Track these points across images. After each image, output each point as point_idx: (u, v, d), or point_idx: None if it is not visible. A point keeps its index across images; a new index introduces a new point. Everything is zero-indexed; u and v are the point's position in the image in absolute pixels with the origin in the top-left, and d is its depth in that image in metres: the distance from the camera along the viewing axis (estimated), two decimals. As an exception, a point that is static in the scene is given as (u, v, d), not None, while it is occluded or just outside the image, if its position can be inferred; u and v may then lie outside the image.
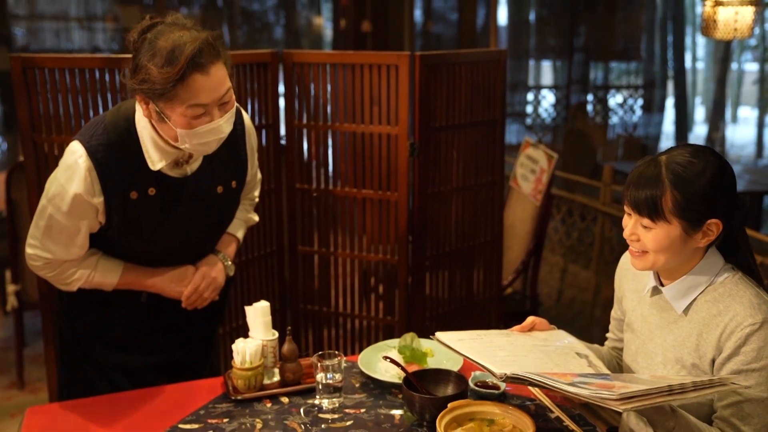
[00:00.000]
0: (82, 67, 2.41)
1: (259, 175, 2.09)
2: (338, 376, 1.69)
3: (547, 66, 8.81)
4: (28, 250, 1.80)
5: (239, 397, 1.73)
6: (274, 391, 1.77)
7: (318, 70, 2.79)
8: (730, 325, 1.43)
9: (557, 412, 1.64)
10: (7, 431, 3.21)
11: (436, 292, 2.97)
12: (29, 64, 2.37)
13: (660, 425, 1.37)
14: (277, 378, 1.81)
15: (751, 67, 11.76)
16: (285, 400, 1.75)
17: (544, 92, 8.30)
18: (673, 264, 1.50)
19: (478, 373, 1.78)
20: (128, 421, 1.66)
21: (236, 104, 1.76)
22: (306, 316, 3.03)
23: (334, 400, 1.69)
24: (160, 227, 1.81)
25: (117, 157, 1.72)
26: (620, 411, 1.28)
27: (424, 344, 1.91)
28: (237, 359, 1.75)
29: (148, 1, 6.75)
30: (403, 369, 1.72)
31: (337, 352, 1.71)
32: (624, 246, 1.55)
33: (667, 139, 9.26)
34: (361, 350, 1.96)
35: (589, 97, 8.17)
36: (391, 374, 1.80)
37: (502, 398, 1.72)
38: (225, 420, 1.65)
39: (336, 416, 1.67)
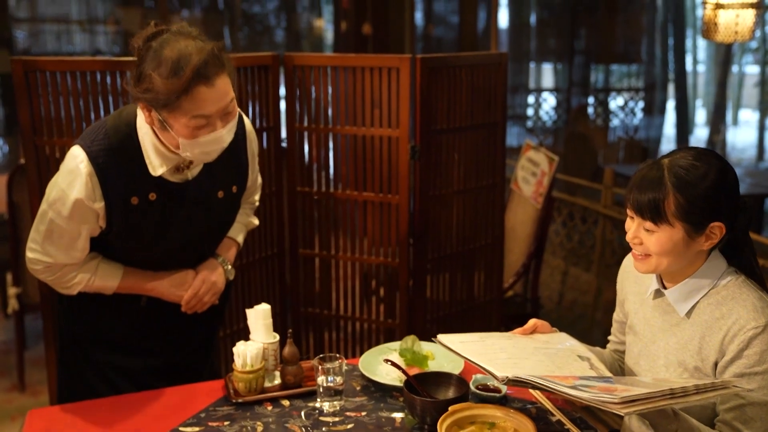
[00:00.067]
0: (84, 70, 2.41)
1: (259, 180, 2.09)
2: (339, 379, 1.69)
3: (547, 69, 8.81)
4: (29, 254, 1.80)
5: (240, 400, 1.73)
6: (275, 394, 1.76)
7: (319, 73, 2.79)
8: (733, 328, 1.42)
9: (558, 416, 1.64)
10: (8, 434, 3.21)
11: (437, 294, 2.97)
12: (31, 67, 2.37)
13: (662, 428, 1.37)
14: (278, 381, 1.81)
15: (752, 70, 11.77)
16: (286, 403, 1.75)
17: (545, 95, 8.30)
18: (676, 267, 1.49)
19: (479, 376, 1.78)
20: (129, 424, 1.66)
21: (238, 109, 1.76)
22: (307, 319, 3.03)
23: (335, 403, 1.69)
24: (161, 232, 1.81)
25: (118, 162, 1.72)
26: (622, 414, 1.28)
27: (425, 347, 1.91)
28: (238, 362, 1.75)
29: (150, 3, 6.76)
30: (404, 372, 1.72)
31: (338, 355, 1.70)
32: (625, 249, 1.55)
33: (668, 142, 9.25)
34: (362, 353, 1.96)
35: (590, 100, 8.17)
36: (392, 377, 1.80)
37: (503, 401, 1.72)
38: (226, 423, 1.65)
39: (337, 419, 1.66)
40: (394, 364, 1.75)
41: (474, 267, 3.07)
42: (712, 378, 1.45)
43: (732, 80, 10.72)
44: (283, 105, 2.86)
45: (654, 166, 1.47)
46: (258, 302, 1.90)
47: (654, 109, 8.35)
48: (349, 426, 1.64)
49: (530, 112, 8.18)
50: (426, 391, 1.67)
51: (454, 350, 1.56)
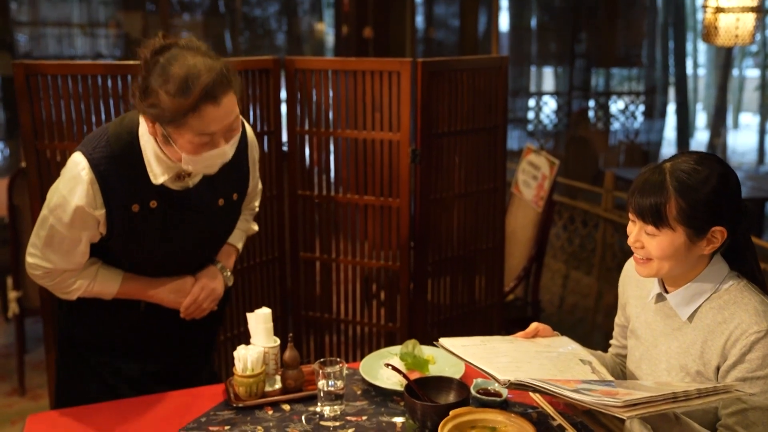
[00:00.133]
0: (85, 74, 2.41)
1: (259, 186, 2.10)
2: (340, 384, 1.68)
3: (548, 72, 8.82)
4: (29, 259, 1.80)
5: (241, 405, 1.73)
6: (276, 398, 1.76)
7: (320, 77, 2.79)
8: (735, 332, 1.42)
9: (559, 420, 1.63)
10: (8, 438, 3.21)
11: (437, 298, 2.97)
12: (32, 70, 2.38)
13: (664, 433, 1.37)
14: (278, 385, 1.80)
15: (753, 74, 11.78)
16: (286, 407, 1.74)
17: (546, 98, 8.31)
18: (678, 271, 1.49)
19: (480, 380, 1.77)
20: (129, 428, 1.66)
21: (240, 118, 1.76)
22: (308, 323, 3.03)
23: (335, 407, 1.69)
24: (161, 239, 1.81)
25: (119, 169, 1.72)
26: (624, 418, 1.27)
27: (426, 351, 1.90)
28: (238, 366, 1.74)
29: (151, 7, 6.77)
30: (404, 376, 1.72)
31: (338, 359, 1.70)
32: (626, 252, 1.55)
33: (668, 146, 9.26)
34: (362, 357, 1.96)
35: (591, 104, 8.18)
36: (392, 381, 1.80)
37: (504, 406, 1.71)
38: (226, 427, 1.65)
39: (337, 423, 1.66)
40: (394, 368, 1.75)
41: (475, 270, 3.07)
42: (714, 382, 1.45)
43: (732, 84, 10.73)
44: (284, 108, 2.86)
45: (656, 170, 1.47)
46: (259, 306, 1.90)
47: (654, 113, 8.35)
48: (350, 430, 1.63)
49: (531, 115, 8.19)
50: (427, 395, 1.67)
51: (455, 354, 1.56)
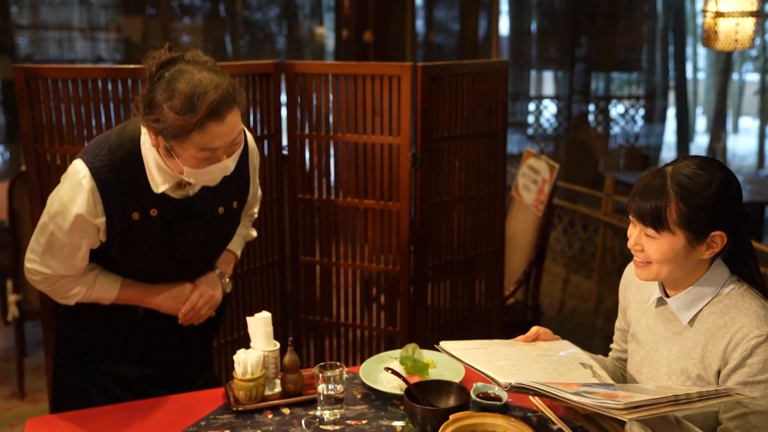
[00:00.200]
0: (85, 78, 2.42)
1: (259, 192, 2.10)
2: (340, 387, 1.68)
3: (548, 76, 8.83)
4: (27, 265, 1.80)
5: (240, 408, 1.73)
6: (276, 402, 1.76)
7: (320, 81, 2.80)
8: (736, 336, 1.42)
9: (559, 424, 1.63)
10: (7, 442, 3.20)
11: (437, 302, 2.97)
12: (32, 74, 2.38)
13: (664, 437, 1.36)
14: (278, 389, 1.80)
15: (752, 78, 11.79)
16: (286, 411, 1.74)
17: (546, 102, 8.31)
18: (677, 275, 1.49)
19: (480, 384, 1.77)
20: (129, 432, 1.66)
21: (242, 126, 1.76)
22: (307, 327, 3.02)
23: (335, 411, 1.68)
24: (161, 247, 1.81)
25: (120, 178, 1.72)
26: (625, 420, 1.27)
27: (426, 355, 1.90)
28: (238, 370, 1.74)
29: (151, 11, 6.77)
30: (404, 380, 1.72)
31: (338, 363, 1.70)
32: (626, 256, 1.55)
33: (668, 150, 9.26)
34: (362, 361, 1.96)
35: (591, 108, 8.18)
36: (392, 385, 1.79)
37: (504, 410, 1.71)
38: (226, 431, 1.65)
39: (337, 427, 1.66)
40: (394, 372, 1.75)
41: (475, 274, 3.06)
42: (715, 386, 1.45)
43: (732, 88, 10.73)
44: (284, 112, 2.86)
45: (657, 173, 1.47)
46: (258, 310, 1.90)
47: (654, 117, 8.35)
48: (350, 434, 1.63)
49: (531, 119, 8.19)
50: (427, 399, 1.67)
51: (456, 357, 1.56)
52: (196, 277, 1.95)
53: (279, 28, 8.29)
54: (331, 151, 2.87)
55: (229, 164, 1.70)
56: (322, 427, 1.66)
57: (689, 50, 10.55)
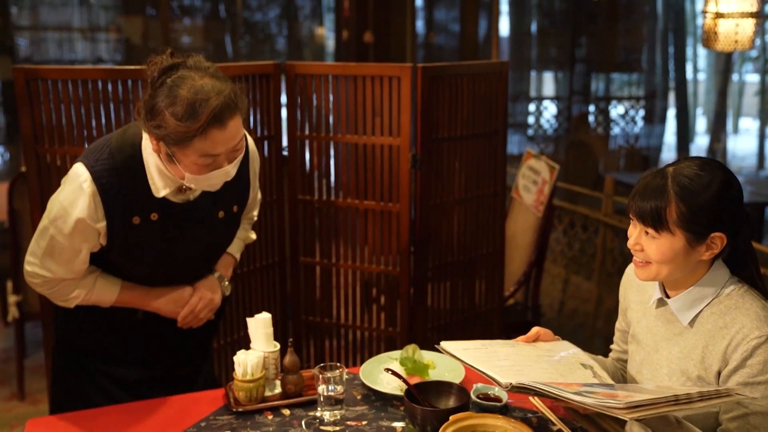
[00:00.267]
0: (85, 78, 2.42)
1: (259, 195, 2.10)
2: (340, 388, 1.68)
3: (548, 77, 8.83)
4: (27, 268, 1.80)
5: (240, 409, 1.73)
6: (276, 403, 1.76)
7: (320, 82, 2.80)
8: (737, 337, 1.42)
9: (560, 425, 1.63)
10: (7, 443, 3.20)
11: (437, 303, 2.97)
12: (32, 75, 2.38)
13: (664, 438, 1.36)
14: (278, 390, 1.80)
15: (752, 79, 11.79)
16: (286, 412, 1.74)
17: (546, 103, 8.31)
18: (677, 275, 1.50)
19: (480, 385, 1.77)
20: (129, 433, 1.65)
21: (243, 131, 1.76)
22: (308, 328, 3.02)
23: (335, 412, 1.68)
24: (161, 251, 1.81)
25: (121, 182, 1.72)
26: (626, 419, 1.27)
27: (426, 356, 1.90)
28: (238, 371, 1.74)
29: (151, 12, 6.78)
30: (404, 381, 1.72)
31: (338, 364, 1.70)
32: (626, 257, 1.55)
33: (668, 150, 9.26)
34: (362, 362, 1.96)
35: (591, 108, 8.18)
36: (392, 386, 1.79)
37: (504, 411, 1.71)
38: (226, 432, 1.65)
39: (337, 428, 1.66)
40: (394, 373, 1.75)
41: (475, 275, 3.06)
42: (715, 386, 1.45)
43: (732, 89, 10.74)
44: (284, 113, 2.86)
45: (658, 174, 1.47)
46: (258, 311, 1.90)
47: (654, 118, 8.36)
48: (350, 435, 1.63)
49: (531, 120, 8.19)
50: (427, 400, 1.67)
51: (457, 357, 1.56)
52: (195, 280, 1.95)
53: (279, 29, 8.29)
54: (331, 152, 2.87)
55: (230, 170, 1.70)
56: (322, 428, 1.66)
57: (689, 51, 10.55)
